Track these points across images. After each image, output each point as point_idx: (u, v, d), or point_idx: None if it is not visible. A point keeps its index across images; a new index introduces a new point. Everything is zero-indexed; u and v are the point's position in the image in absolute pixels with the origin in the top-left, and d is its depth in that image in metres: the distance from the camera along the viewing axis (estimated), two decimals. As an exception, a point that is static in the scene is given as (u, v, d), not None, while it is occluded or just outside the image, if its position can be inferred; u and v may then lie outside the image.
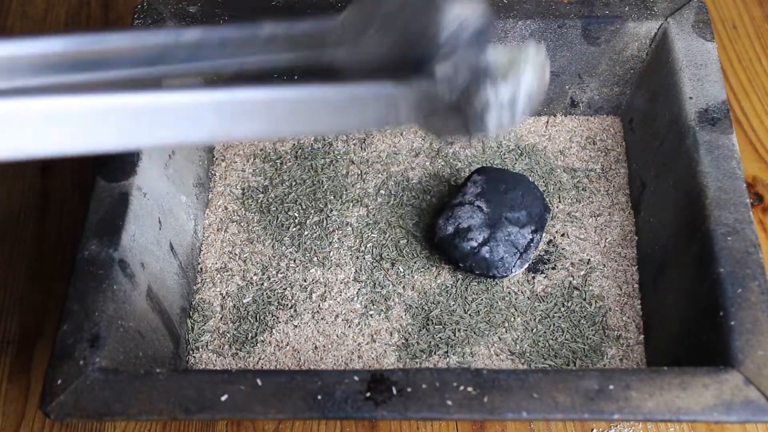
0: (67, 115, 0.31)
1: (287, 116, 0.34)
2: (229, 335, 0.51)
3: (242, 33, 0.38)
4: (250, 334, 0.51)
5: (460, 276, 0.53)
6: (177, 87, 0.32)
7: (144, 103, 0.32)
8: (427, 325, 0.51)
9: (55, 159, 0.62)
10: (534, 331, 0.50)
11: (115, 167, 0.48)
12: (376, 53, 0.40)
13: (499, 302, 0.51)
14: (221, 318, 0.52)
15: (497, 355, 0.50)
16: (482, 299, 0.52)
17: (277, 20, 0.40)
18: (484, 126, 0.39)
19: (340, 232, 0.55)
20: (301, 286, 0.53)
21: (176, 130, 0.33)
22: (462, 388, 0.38)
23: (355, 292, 0.52)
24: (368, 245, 0.54)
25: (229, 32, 0.38)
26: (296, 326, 0.51)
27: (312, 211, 0.56)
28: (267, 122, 0.34)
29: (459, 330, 0.50)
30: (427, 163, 0.58)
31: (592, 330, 0.50)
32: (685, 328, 0.45)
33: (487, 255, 0.50)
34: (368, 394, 0.38)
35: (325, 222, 0.55)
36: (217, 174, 0.58)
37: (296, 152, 0.59)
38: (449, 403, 0.38)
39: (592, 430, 0.50)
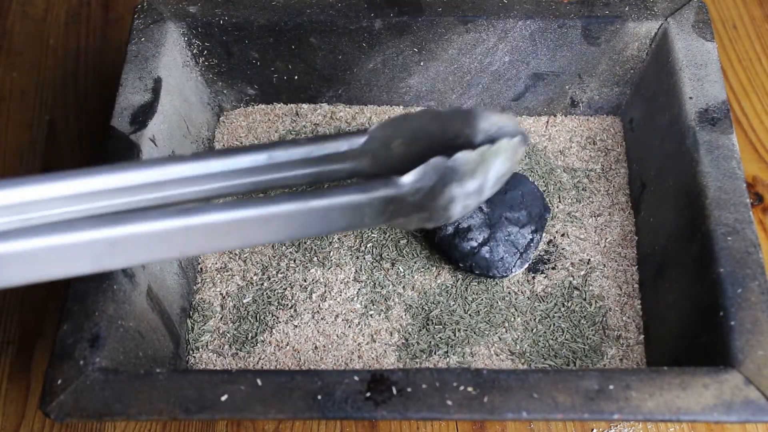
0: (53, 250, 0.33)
1: (257, 231, 0.36)
2: (229, 335, 0.51)
3: (259, 162, 0.40)
4: (250, 334, 0.51)
5: (460, 276, 0.53)
6: (142, 216, 0.34)
7: (127, 233, 0.34)
8: (427, 325, 0.51)
9: (55, 159, 0.63)
10: (534, 331, 0.50)
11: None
12: (401, 161, 0.41)
13: (499, 302, 0.51)
14: (221, 318, 0.52)
15: (497, 355, 0.50)
16: (482, 299, 0.52)
17: (310, 141, 0.41)
18: (448, 215, 0.40)
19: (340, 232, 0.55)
20: (301, 286, 0.53)
21: (144, 253, 0.35)
22: (462, 388, 0.38)
23: (355, 292, 0.52)
24: (368, 245, 0.54)
25: (255, 158, 0.39)
26: (296, 326, 0.51)
27: (312, 211, 0.56)
28: (238, 238, 0.36)
29: (459, 330, 0.50)
30: (427, 163, 0.58)
31: (592, 330, 0.50)
32: (685, 328, 0.45)
33: (487, 255, 0.50)
34: (368, 394, 0.38)
35: (325, 222, 0.55)
36: (217, 174, 0.58)
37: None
38: (449, 403, 0.38)
39: (592, 430, 0.50)
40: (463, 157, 0.38)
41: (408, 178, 0.38)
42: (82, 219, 0.35)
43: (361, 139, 0.41)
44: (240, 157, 0.39)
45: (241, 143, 0.59)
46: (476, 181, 0.39)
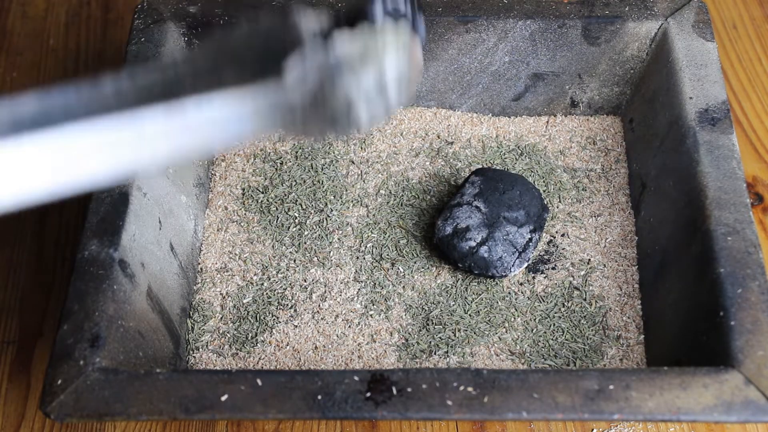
0: None
1: (130, 141, 0.34)
2: (229, 335, 0.51)
3: (83, 95, 0.38)
4: (250, 334, 0.51)
5: (460, 276, 0.53)
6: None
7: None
8: (427, 325, 0.51)
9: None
10: (534, 331, 0.50)
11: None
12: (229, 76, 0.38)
13: (499, 302, 0.51)
14: (221, 318, 0.52)
15: (497, 355, 0.50)
16: (482, 299, 0.52)
17: (128, 75, 0.38)
18: (355, 120, 0.36)
19: (340, 232, 0.55)
20: (301, 286, 0.53)
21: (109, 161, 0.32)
22: (462, 388, 0.38)
23: (355, 292, 0.52)
24: (368, 245, 0.54)
25: (70, 96, 0.38)
26: (296, 326, 0.51)
27: (312, 211, 0.56)
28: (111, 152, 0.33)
29: (459, 330, 0.50)
30: (427, 163, 0.58)
31: (592, 330, 0.50)
32: (685, 328, 0.45)
33: (486, 254, 0.50)
34: (368, 394, 0.38)
35: (325, 222, 0.55)
36: (217, 174, 0.58)
37: (296, 152, 0.59)
38: (449, 403, 0.38)
39: (592, 430, 0.50)
40: (341, 45, 0.35)
41: (288, 74, 0.34)
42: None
43: (191, 53, 0.38)
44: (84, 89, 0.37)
45: (241, 143, 0.59)
46: (369, 74, 0.35)
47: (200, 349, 0.51)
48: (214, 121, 0.34)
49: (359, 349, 0.50)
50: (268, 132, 0.36)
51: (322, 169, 0.58)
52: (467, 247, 0.51)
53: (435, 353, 0.50)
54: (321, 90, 0.35)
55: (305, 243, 0.54)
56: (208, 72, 0.38)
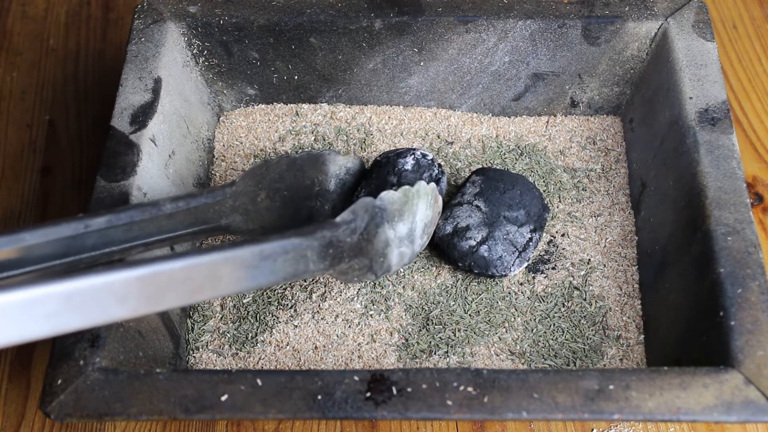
0: None
1: (206, 282, 0.36)
2: (229, 335, 0.51)
3: (145, 214, 0.41)
4: (250, 334, 0.51)
5: (460, 276, 0.53)
6: (98, 270, 0.33)
7: (64, 290, 0.32)
8: (427, 325, 0.51)
9: (55, 159, 0.63)
10: (534, 331, 0.50)
11: (115, 167, 0.48)
12: (269, 215, 0.42)
13: (499, 302, 0.51)
14: (221, 318, 0.52)
15: (497, 355, 0.50)
16: (482, 299, 0.52)
17: (174, 198, 0.43)
18: (388, 263, 0.42)
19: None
20: (301, 286, 0.53)
21: (101, 310, 0.33)
22: (462, 388, 0.38)
23: (355, 292, 0.52)
24: (368, 245, 0.54)
25: (132, 215, 0.41)
26: (296, 326, 0.51)
27: (312, 211, 0.56)
28: (187, 290, 0.35)
29: (459, 330, 0.50)
30: (427, 163, 0.58)
31: (592, 330, 0.50)
32: (685, 328, 0.45)
33: (486, 254, 0.50)
34: (368, 394, 0.38)
35: (325, 222, 0.55)
36: (217, 174, 0.58)
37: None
38: (449, 403, 0.38)
39: (592, 430, 0.50)
40: (387, 195, 0.41)
41: (342, 217, 0.40)
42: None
43: (227, 193, 0.44)
44: (132, 212, 0.40)
45: (241, 143, 0.59)
46: (405, 224, 0.42)
47: (200, 349, 0.51)
48: (274, 260, 0.38)
49: (359, 349, 0.50)
50: (318, 273, 0.41)
51: (322, 169, 0.58)
52: (467, 247, 0.51)
53: (435, 353, 0.50)
54: (366, 233, 0.41)
55: (305, 243, 0.54)
56: (251, 203, 0.44)
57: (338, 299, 0.52)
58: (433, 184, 0.43)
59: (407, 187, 0.42)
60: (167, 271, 0.34)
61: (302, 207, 0.42)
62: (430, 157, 0.53)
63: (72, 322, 0.32)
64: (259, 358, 0.50)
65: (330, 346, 0.50)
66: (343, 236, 0.39)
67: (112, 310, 0.33)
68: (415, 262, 0.53)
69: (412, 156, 0.52)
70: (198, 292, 0.36)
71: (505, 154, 0.58)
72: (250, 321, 0.51)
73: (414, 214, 0.42)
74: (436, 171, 0.53)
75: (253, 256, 0.37)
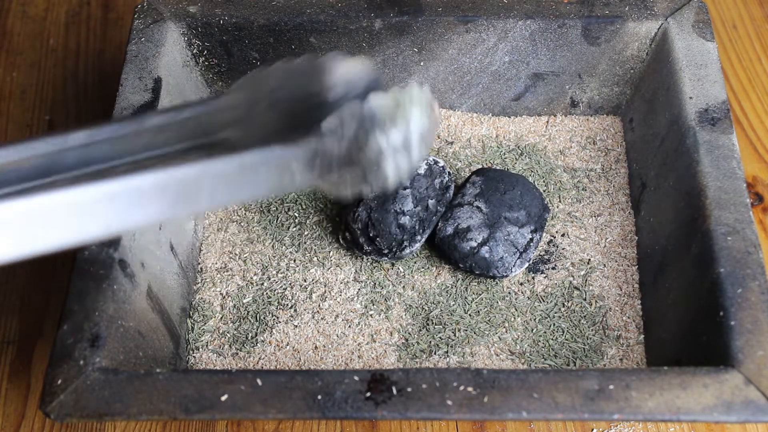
0: None
1: (182, 196, 0.34)
2: (229, 335, 0.51)
3: (128, 128, 0.38)
4: (250, 334, 0.51)
5: (460, 276, 0.53)
6: (63, 185, 0.32)
7: (33, 207, 0.31)
8: (427, 325, 0.51)
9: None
10: (534, 331, 0.50)
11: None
12: (268, 125, 0.40)
13: (499, 302, 0.51)
14: (221, 318, 0.52)
15: (497, 355, 0.50)
16: (482, 299, 0.52)
17: (162, 111, 0.40)
18: (383, 174, 0.39)
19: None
20: (301, 286, 0.53)
21: (70, 228, 0.32)
22: (462, 388, 0.38)
23: (355, 292, 0.52)
24: (368, 245, 0.54)
25: (115, 129, 0.38)
26: (296, 326, 0.51)
27: (312, 211, 0.56)
28: (162, 205, 0.34)
29: (459, 330, 0.50)
30: (427, 163, 0.58)
31: (592, 330, 0.50)
32: (685, 328, 0.45)
33: (487, 255, 0.50)
34: (368, 394, 0.38)
35: (325, 222, 0.55)
36: (217, 174, 0.58)
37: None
38: (449, 403, 0.38)
39: (592, 430, 0.50)
40: (375, 99, 0.38)
41: (327, 124, 0.37)
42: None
43: (222, 103, 0.40)
44: (108, 129, 0.37)
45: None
46: (399, 131, 0.38)
47: (200, 349, 0.51)
48: (256, 171, 0.36)
49: (359, 349, 0.50)
50: (306, 184, 0.38)
51: (322, 169, 0.58)
52: (468, 248, 0.51)
53: (435, 353, 0.50)
54: (356, 141, 0.38)
55: (305, 243, 0.54)
56: (247, 116, 0.40)
57: (338, 299, 0.52)
58: (427, 90, 0.40)
59: (396, 90, 0.39)
60: (139, 185, 0.33)
61: (304, 118, 0.39)
62: (441, 163, 0.53)
63: (43, 242, 0.31)
64: (259, 358, 0.50)
65: (330, 346, 0.50)
66: (329, 144, 0.37)
67: (81, 229, 0.32)
68: (415, 262, 0.53)
69: (425, 161, 0.52)
70: (176, 206, 0.34)
71: (505, 154, 0.58)
72: (250, 321, 0.51)
73: (408, 121, 0.39)
74: (447, 178, 0.53)
75: (232, 166, 0.35)
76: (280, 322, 0.51)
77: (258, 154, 0.36)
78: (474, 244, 0.51)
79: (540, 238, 0.52)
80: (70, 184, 0.32)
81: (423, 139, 0.40)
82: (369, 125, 0.38)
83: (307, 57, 0.42)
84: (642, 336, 0.50)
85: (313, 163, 0.37)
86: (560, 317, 0.51)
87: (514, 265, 0.51)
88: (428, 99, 0.40)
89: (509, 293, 0.52)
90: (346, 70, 0.40)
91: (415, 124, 0.39)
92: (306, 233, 0.55)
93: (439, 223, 0.52)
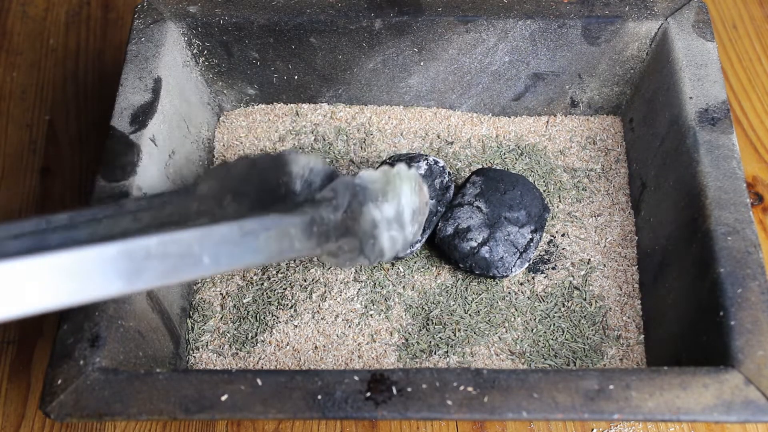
0: None
1: (184, 259, 0.34)
2: (229, 335, 0.51)
3: (108, 211, 0.39)
4: (250, 334, 0.51)
5: (460, 276, 0.53)
6: (65, 248, 0.32)
7: (34, 266, 0.31)
8: (427, 325, 0.51)
9: (55, 159, 0.63)
10: (534, 331, 0.50)
11: (115, 167, 0.48)
12: (237, 216, 0.40)
13: (499, 302, 0.51)
14: (221, 318, 0.52)
15: (497, 355, 0.50)
16: (482, 299, 0.52)
17: (138, 199, 0.40)
18: (379, 246, 0.41)
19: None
20: (301, 286, 0.53)
21: (67, 291, 0.32)
22: (462, 388, 0.38)
23: (355, 292, 0.52)
24: (368, 245, 0.54)
25: (94, 213, 0.38)
26: (296, 326, 0.51)
27: (312, 211, 0.56)
28: (165, 269, 0.34)
29: (459, 330, 0.50)
30: (427, 163, 0.58)
31: (592, 330, 0.50)
32: (685, 328, 0.45)
33: (487, 255, 0.50)
34: (368, 394, 0.38)
35: (325, 222, 0.55)
36: (217, 174, 0.58)
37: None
38: (449, 403, 0.38)
39: (592, 430, 0.50)
40: (366, 173, 0.40)
41: (322, 194, 0.39)
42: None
43: (192, 196, 0.41)
44: (89, 211, 0.38)
45: (241, 143, 0.59)
46: (392, 205, 0.40)
47: (200, 349, 0.51)
48: (256, 237, 0.37)
49: (359, 349, 0.50)
50: (305, 252, 0.40)
51: (322, 169, 0.58)
52: (468, 248, 0.51)
53: (435, 353, 0.50)
54: (351, 211, 0.39)
55: (305, 243, 0.54)
56: (218, 206, 0.41)
57: (338, 299, 0.52)
58: (414, 170, 0.42)
59: (386, 167, 0.41)
60: (143, 247, 0.33)
61: (271, 210, 0.40)
62: (441, 164, 0.53)
63: (44, 302, 0.31)
64: (259, 358, 0.50)
65: (330, 346, 0.50)
66: (325, 213, 0.39)
67: (89, 288, 0.32)
68: (415, 262, 0.53)
69: (425, 161, 0.52)
70: (177, 272, 0.34)
71: (505, 154, 0.58)
72: (250, 321, 0.51)
73: (399, 195, 0.41)
74: (447, 178, 0.53)
75: (232, 231, 0.36)
76: (280, 322, 0.51)
77: (258, 221, 0.37)
78: (474, 244, 0.51)
79: (540, 238, 0.52)
80: (73, 246, 0.32)
81: (415, 216, 0.42)
82: (362, 198, 0.39)
83: (265, 153, 0.44)
84: (642, 336, 0.50)
85: (311, 230, 0.38)
86: (560, 317, 0.51)
87: (514, 265, 0.51)
88: (417, 177, 0.42)
89: (509, 293, 0.52)
90: (302, 163, 0.42)
91: (407, 200, 0.41)
92: (306, 233, 0.55)
93: (439, 223, 0.52)
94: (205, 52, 0.57)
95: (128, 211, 0.39)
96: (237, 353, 0.50)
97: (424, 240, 0.52)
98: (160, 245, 0.33)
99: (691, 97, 0.50)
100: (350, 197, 0.39)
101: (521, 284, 0.52)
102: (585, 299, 0.52)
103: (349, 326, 0.51)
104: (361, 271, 0.53)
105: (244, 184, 0.41)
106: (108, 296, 0.33)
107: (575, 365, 0.49)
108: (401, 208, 0.41)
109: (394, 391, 0.38)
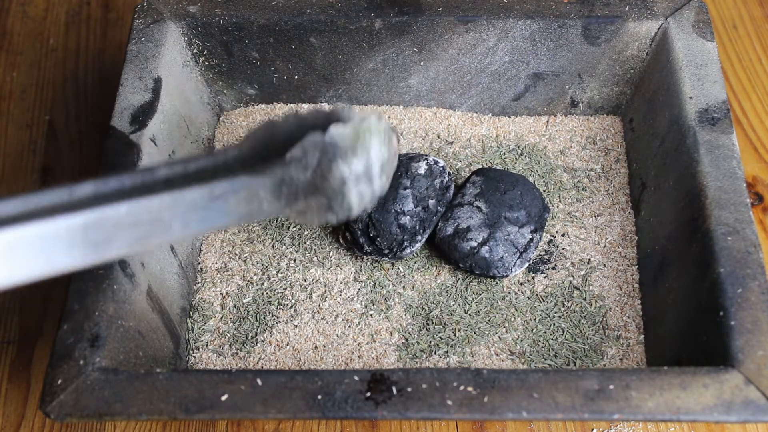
0: None
1: (155, 225, 0.34)
2: (229, 335, 0.51)
3: (138, 180, 0.38)
4: (250, 334, 0.51)
5: (460, 276, 0.53)
6: (36, 218, 0.31)
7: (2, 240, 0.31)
8: (427, 325, 0.51)
9: (55, 159, 0.63)
10: (534, 330, 0.50)
11: (116, 167, 0.48)
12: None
13: (499, 302, 0.51)
14: (221, 318, 0.52)
15: (497, 355, 0.50)
16: (482, 299, 0.52)
17: (171, 164, 0.40)
18: (347, 202, 0.40)
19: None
20: (301, 285, 0.53)
21: (39, 261, 0.32)
22: (462, 388, 0.38)
23: (355, 292, 0.52)
24: (368, 245, 0.54)
25: (124, 181, 0.38)
26: (296, 326, 0.51)
27: (312, 211, 0.56)
28: (136, 234, 0.34)
29: (459, 330, 0.50)
30: (427, 163, 0.58)
31: (592, 330, 0.50)
32: (685, 328, 0.45)
33: (487, 255, 0.50)
34: (368, 394, 0.38)
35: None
36: (217, 174, 0.58)
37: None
38: (449, 402, 0.38)
39: (592, 430, 0.50)
40: (336, 129, 0.39)
41: (291, 154, 0.38)
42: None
43: (234, 152, 0.41)
44: (123, 177, 0.38)
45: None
46: (360, 161, 0.40)
47: (200, 349, 0.51)
48: (226, 200, 0.37)
49: (359, 349, 0.50)
50: (274, 212, 0.39)
51: (322, 169, 0.58)
52: (468, 248, 0.51)
53: (435, 353, 0.50)
54: (319, 169, 0.39)
55: (305, 243, 0.54)
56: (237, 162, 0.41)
57: (338, 299, 0.52)
58: (385, 121, 0.41)
59: (357, 121, 0.41)
60: (113, 216, 0.33)
61: (240, 172, 0.40)
62: (441, 164, 0.53)
63: (13, 274, 0.31)
64: (259, 358, 0.50)
65: (330, 346, 0.50)
66: (295, 173, 0.38)
67: (57, 259, 0.32)
68: (415, 262, 0.53)
69: (425, 161, 0.52)
70: (149, 237, 0.34)
71: (505, 154, 0.58)
72: (250, 321, 0.51)
73: (368, 150, 0.40)
74: (447, 178, 0.53)
75: (202, 196, 0.36)
76: (280, 322, 0.51)
77: (226, 184, 0.37)
78: (474, 244, 0.51)
79: (540, 238, 0.52)
80: (43, 217, 0.32)
81: (383, 168, 0.41)
82: (331, 155, 0.39)
83: (316, 110, 0.43)
84: (642, 336, 0.50)
85: (279, 191, 0.38)
86: (560, 317, 0.51)
87: (514, 265, 0.51)
88: (387, 129, 0.42)
89: (509, 293, 0.52)
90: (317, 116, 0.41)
91: (376, 154, 0.40)
92: (306, 233, 0.55)
93: (439, 223, 0.52)
94: (205, 52, 0.57)
95: (159, 179, 0.39)
96: (237, 353, 0.50)
97: (424, 240, 0.52)
98: (129, 213, 0.33)
99: (691, 97, 0.50)
100: (320, 155, 0.39)
101: (521, 284, 0.52)
102: (585, 299, 0.52)
103: (349, 326, 0.51)
104: (361, 271, 0.53)
105: (289, 143, 0.40)
106: (79, 266, 0.33)
107: (575, 365, 0.49)
108: (370, 162, 0.40)
109: (394, 391, 0.38)
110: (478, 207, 0.52)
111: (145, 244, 0.35)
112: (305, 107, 0.61)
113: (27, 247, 0.31)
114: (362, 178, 0.40)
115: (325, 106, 0.61)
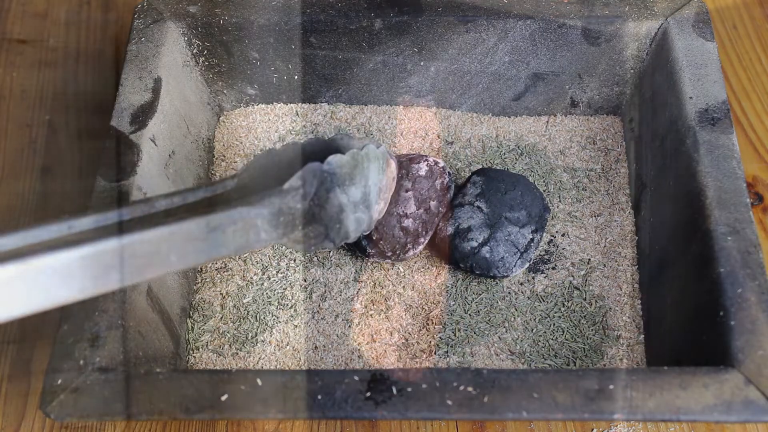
0: None
1: (152, 258, 0.35)
2: (229, 335, 0.51)
3: (137, 212, 0.39)
4: (250, 334, 0.51)
5: (460, 276, 0.53)
6: (39, 252, 0.32)
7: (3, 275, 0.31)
8: (427, 325, 0.51)
9: (55, 159, 0.63)
10: (534, 330, 0.50)
11: (115, 167, 0.48)
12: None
13: (499, 302, 0.51)
14: (221, 318, 0.52)
15: (497, 355, 0.50)
16: (482, 299, 0.52)
17: (169, 195, 0.41)
18: (344, 230, 0.41)
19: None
20: (301, 286, 0.53)
21: (39, 295, 0.32)
22: (462, 387, 0.38)
23: (355, 292, 0.52)
24: (368, 245, 0.54)
25: (123, 213, 0.38)
26: (296, 326, 0.51)
27: (312, 211, 0.56)
28: (134, 267, 0.34)
29: (459, 330, 0.50)
30: (427, 163, 0.58)
31: (592, 330, 0.50)
32: (685, 328, 0.45)
33: (488, 255, 0.50)
34: (368, 394, 0.38)
35: (325, 222, 0.55)
36: (217, 174, 0.58)
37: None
38: (449, 402, 0.38)
39: (592, 430, 0.50)
40: (335, 159, 0.39)
41: (290, 183, 0.38)
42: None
43: (232, 183, 0.42)
44: (122, 210, 0.38)
45: (241, 143, 0.59)
46: (358, 188, 0.40)
47: (200, 349, 0.51)
48: (223, 231, 0.37)
49: (359, 349, 0.50)
50: (272, 242, 0.40)
51: (322, 169, 0.58)
52: (469, 248, 0.51)
53: (435, 353, 0.50)
54: (317, 199, 0.39)
55: (305, 243, 0.54)
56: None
57: (338, 299, 0.52)
58: (383, 147, 0.42)
59: (356, 150, 0.41)
60: (111, 250, 0.33)
61: (237, 203, 0.40)
62: (441, 164, 0.53)
63: (14, 308, 0.31)
64: (259, 358, 0.50)
65: (330, 346, 0.50)
66: (292, 203, 0.38)
67: (56, 293, 0.32)
68: (415, 262, 0.53)
69: (426, 162, 0.52)
70: (146, 269, 0.34)
71: (505, 154, 0.58)
72: (250, 321, 0.51)
73: (366, 177, 0.41)
74: (447, 179, 0.53)
75: (199, 228, 0.36)
76: (280, 322, 0.51)
77: (224, 215, 0.37)
78: (474, 244, 0.51)
79: (540, 238, 0.52)
80: (42, 252, 0.32)
81: (381, 194, 0.42)
82: (330, 184, 0.39)
83: (315, 138, 0.44)
84: (642, 336, 0.50)
85: (277, 221, 0.38)
86: (560, 317, 0.51)
87: (514, 266, 0.51)
88: (385, 155, 0.42)
89: (509, 293, 0.52)
90: (357, 146, 0.41)
91: (373, 180, 0.41)
92: (306, 233, 0.55)
93: (440, 223, 0.52)
94: (205, 52, 0.57)
95: (158, 210, 0.39)
96: (237, 353, 0.50)
97: (426, 242, 0.52)
98: (128, 247, 0.33)
99: (691, 97, 0.50)
100: (318, 184, 0.39)
101: (521, 284, 0.52)
102: (585, 299, 0.52)
103: (349, 326, 0.51)
104: (361, 271, 0.53)
105: (288, 172, 0.40)
106: (77, 299, 0.33)
107: (575, 365, 0.49)
108: (368, 189, 0.41)
109: (394, 391, 0.38)
110: (478, 207, 0.52)
111: (143, 276, 0.35)
112: (305, 107, 0.61)
113: (27, 282, 0.31)
114: (360, 205, 0.41)
115: (325, 107, 0.61)
